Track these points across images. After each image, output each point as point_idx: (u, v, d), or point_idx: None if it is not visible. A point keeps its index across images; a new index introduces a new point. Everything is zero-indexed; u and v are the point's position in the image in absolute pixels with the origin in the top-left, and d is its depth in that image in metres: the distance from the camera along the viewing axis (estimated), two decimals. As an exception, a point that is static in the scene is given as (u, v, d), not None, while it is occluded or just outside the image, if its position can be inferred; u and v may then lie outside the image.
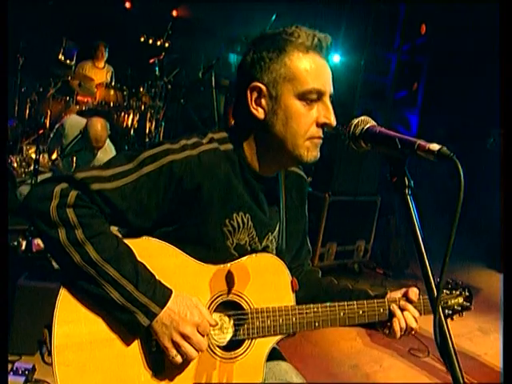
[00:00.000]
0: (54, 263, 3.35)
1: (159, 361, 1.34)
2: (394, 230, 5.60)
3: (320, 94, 1.38)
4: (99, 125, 4.28)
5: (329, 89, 1.40)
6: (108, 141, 4.52)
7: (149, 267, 1.33)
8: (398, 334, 1.55)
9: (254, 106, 1.39)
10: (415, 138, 1.14)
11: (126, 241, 1.34)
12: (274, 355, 1.63)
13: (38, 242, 3.65)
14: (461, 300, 1.73)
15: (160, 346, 1.32)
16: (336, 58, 7.90)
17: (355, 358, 3.59)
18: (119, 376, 1.31)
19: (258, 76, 1.38)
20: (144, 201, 1.32)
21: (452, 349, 1.07)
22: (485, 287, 5.46)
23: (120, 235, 1.36)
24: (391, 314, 1.55)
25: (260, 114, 1.39)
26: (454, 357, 1.07)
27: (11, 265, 3.23)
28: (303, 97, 1.36)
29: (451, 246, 1.06)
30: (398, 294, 1.60)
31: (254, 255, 1.47)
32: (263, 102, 1.38)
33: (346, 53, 7.90)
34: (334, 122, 1.41)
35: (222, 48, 7.68)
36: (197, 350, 1.31)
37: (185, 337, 1.30)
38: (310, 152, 1.42)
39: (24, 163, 3.86)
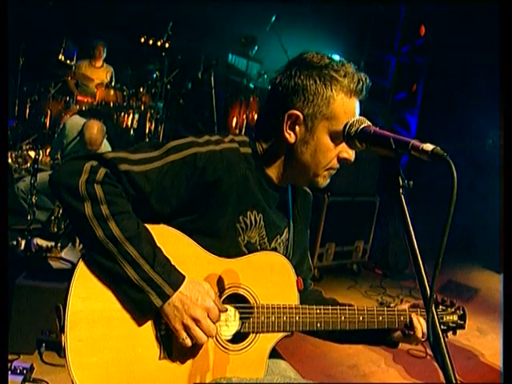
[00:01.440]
0: (53, 263, 3.36)
1: (167, 345, 1.37)
2: (392, 230, 5.61)
3: None
4: (95, 128, 4.29)
5: None
6: (105, 142, 4.53)
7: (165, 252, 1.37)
8: (419, 339, 1.63)
9: (288, 130, 1.44)
10: (410, 139, 1.16)
11: (146, 225, 1.39)
12: (272, 354, 1.64)
13: (37, 241, 3.66)
14: (455, 318, 1.77)
15: (168, 331, 1.35)
16: (336, 58, 7.90)
17: (354, 358, 3.59)
18: (128, 355, 1.34)
19: (298, 105, 1.42)
20: (167, 187, 1.37)
21: (445, 348, 1.08)
22: (483, 288, 5.46)
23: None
24: (411, 323, 1.62)
25: (291, 138, 1.45)
26: (447, 357, 1.08)
27: (10, 264, 3.24)
28: (335, 136, 1.42)
29: (444, 245, 1.07)
30: (404, 306, 1.68)
31: (261, 253, 1.52)
32: (297, 128, 1.44)
33: (346, 54, 7.91)
34: (353, 158, 1.48)
35: (222, 49, 7.71)
36: (206, 335, 1.35)
37: (195, 320, 1.33)
38: (325, 180, 1.52)
39: (20, 159, 3.87)
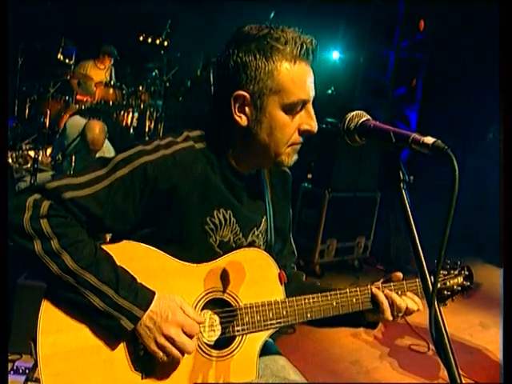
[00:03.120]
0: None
1: (149, 363, 1.32)
2: (394, 225, 5.60)
3: (304, 103, 1.38)
4: (97, 128, 4.29)
5: (312, 95, 1.39)
6: (107, 142, 4.54)
7: (130, 271, 1.31)
8: (390, 316, 1.54)
9: (238, 113, 1.37)
10: (410, 132, 1.15)
11: (106, 246, 1.33)
12: (269, 350, 1.62)
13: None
14: (460, 279, 1.69)
15: (148, 350, 1.31)
16: (335, 55, 7.89)
17: (356, 354, 3.59)
18: (108, 382, 1.30)
19: (242, 84, 1.34)
20: (120, 205, 1.30)
21: (448, 343, 1.07)
22: (485, 282, 5.45)
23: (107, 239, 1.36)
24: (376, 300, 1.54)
25: (243, 121, 1.37)
26: (450, 351, 1.07)
27: (11, 264, 3.24)
28: (289, 108, 1.35)
29: (446, 239, 1.06)
30: (377, 283, 1.60)
31: (237, 251, 1.45)
32: (247, 109, 1.36)
33: (345, 50, 7.89)
34: (315, 128, 1.40)
35: (221, 46, 7.67)
36: (182, 352, 1.30)
37: (168, 338, 1.28)
38: (290, 157, 1.42)
39: (21, 159, 3.87)
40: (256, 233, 1.53)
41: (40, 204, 1.26)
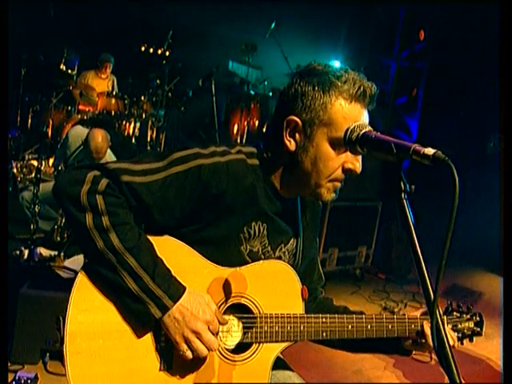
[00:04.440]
0: (59, 272, 3.36)
1: (167, 357, 1.36)
2: (395, 235, 5.60)
3: None
4: (100, 136, 4.33)
5: None
6: (109, 151, 4.56)
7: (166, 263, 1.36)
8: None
9: (288, 137, 1.42)
10: (411, 143, 1.16)
11: (147, 236, 1.38)
12: (279, 365, 1.64)
13: (40, 250, 3.67)
14: (471, 324, 1.72)
15: (168, 342, 1.35)
16: (336, 65, 7.92)
17: (358, 363, 3.58)
18: (128, 367, 1.34)
19: (297, 110, 1.40)
20: (169, 199, 1.36)
21: (450, 353, 1.08)
22: (487, 291, 5.44)
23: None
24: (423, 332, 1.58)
25: (291, 146, 1.42)
26: (452, 361, 1.07)
27: (14, 274, 3.25)
28: (336, 142, 1.38)
29: (447, 249, 1.07)
30: (416, 313, 1.63)
31: (267, 261, 1.50)
32: (297, 135, 1.42)
33: (346, 59, 7.94)
34: (359, 170, 1.42)
35: (222, 56, 7.74)
36: (207, 348, 1.34)
37: (196, 333, 1.32)
38: (330, 193, 1.45)
39: (25, 169, 3.90)
40: (283, 249, 1.57)
41: (99, 180, 1.32)
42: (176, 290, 1.33)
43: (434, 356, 3.64)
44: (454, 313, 1.72)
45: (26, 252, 3.67)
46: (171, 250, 1.39)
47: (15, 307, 2.79)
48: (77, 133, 4.82)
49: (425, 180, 5.35)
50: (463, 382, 1.08)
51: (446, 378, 1.08)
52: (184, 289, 1.34)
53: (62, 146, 4.94)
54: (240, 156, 1.45)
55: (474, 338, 1.73)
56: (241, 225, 1.45)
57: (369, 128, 1.29)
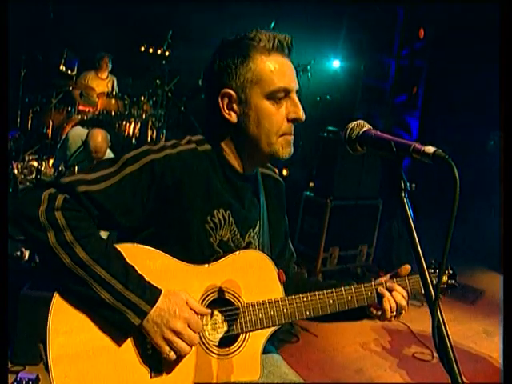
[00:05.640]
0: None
1: (156, 361, 1.35)
2: (396, 233, 5.59)
3: (287, 92, 1.44)
4: (100, 136, 4.34)
5: (294, 85, 1.47)
6: (109, 151, 4.57)
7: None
8: (389, 314, 1.58)
9: (227, 110, 1.45)
10: (411, 141, 1.16)
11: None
12: (275, 358, 1.66)
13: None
14: (445, 278, 1.75)
15: (155, 348, 1.34)
16: (336, 64, 7.93)
17: (359, 362, 3.58)
18: (118, 381, 1.32)
19: (226, 82, 1.44)
20: (129, 200, 1.36)
21: (451, 351, 1.08)
22: (488, 289, 5.44)
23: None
24: (380, 297, 1.59)
25: (233, 118, 1.45)
26: (453, 359, 1.07)
27: (14, 275, 3.24)
28: (271, 96, 1.42)
29: (448, 248, 1.07)
30: (384, 278, 1.65)
31: (238, 252, 1.50)
32: (234, 106, 1.45)
33: (346, 58, 7.93)
34: (302, 116, 1.46)
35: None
36: (189, 345, 1.33)
37: (176, 333, 1.32)
38: (285, 148, 1.47)
39: (26, 170, 3.91)
40: (252, 234, 1.58)
41: (55, 197, 1.31)
42: (151, 294, 1.32)
43: (435, 354, 3.64)
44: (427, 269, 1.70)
45: (27, 253, 3.67)
46: (141, 257, 1.38)
47: (16, 308, 2.79)
48: (77, 133, 4.83)
49: (426, 178, 5.35)
50: (464, 380, 1.08)
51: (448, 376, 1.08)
52: (159, 291, 1.34)
53: (62, 147, 4.95)
54: (190, 146, 1.47)
55: (450, 291, 1.76)
56: (204, 215, 1.45)
57: (368, 126, 1.29)
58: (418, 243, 1.12)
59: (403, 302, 1.59)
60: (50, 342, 1.29)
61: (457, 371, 1.06)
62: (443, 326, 1.09)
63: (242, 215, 1.53)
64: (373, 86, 7.97)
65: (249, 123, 1.44)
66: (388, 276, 1.66)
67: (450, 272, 1.76)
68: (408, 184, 1.16)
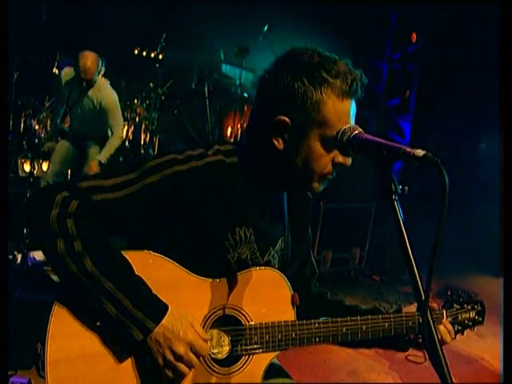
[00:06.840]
0: (52, 276, 3.35)
1: (155, 374, 1.32)
2: (388, 236, 5.61)
3: None
4: (89, 58, 4.41)
5: None
6: (106, 83, 4.54)
7: (146, 281, 1.31)
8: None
9: (276, 136, 1.36)
10: (401, 145, 1.17)
11: (126, 253, 1.32)
12: (274, 372, 1.61)
13: (34, 255, 3.65)
14: (472, 314, 1.70)
15: (155, 361, 1.31)
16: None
17: (353, 365, 3.59)
18: None
19: (287, 110, 1.32)
20: (147, 211, 1.31)
21: (441, 353, 1.09)
22: (480, 292, 5.45)
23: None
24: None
25: (279, 145, 1.36)
26: (443, 361, 1.08)
27: (8, 277, 3.23)
28: (327, 140, 1.33)
29: (438, 250, 1.08)
30: (413, 309, 1.60)
31: (253, 269, 1.45)
32: (286, 136, 1.35)
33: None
34: (349, 162, 1.39)
35: (215, 59, 7.75)
36: (189, 368, 1.31)
37: (177, 356, 1.29)
38: (320, 186, 1.43)
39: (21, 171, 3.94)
40: (272, 252, 1.52)
41: (69, 202, 1.26)
42: (157, 311, 1.29)
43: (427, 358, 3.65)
44: (455, 305, 1.69)
45: (20, 256, 3.65)
46: (153, 266, 1.34)
47: (8, 312, 2.77)
48: (67, 73, 4.84)
49: (417, 181, 5.38)
50: (455, 381, 1.08)
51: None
52: (166, 309, 1.30)
53: (57, 99, 4.94)
54: (217, 157, 1.39)
55: (475, 328, 1.71)
56: (224, 232, 1.39)
57: (359, 130, 1.29)
58: (408, 246, 1.13)
59: (447, 340, 1.57)
60: (48, 345, 1.28)
61: (447, 372, 1.07)
62: (433, 328, 1.09)
63: (264, 232, 1.47)
64: (365, 89, 7.99)
65: (296, 157, 1.35)
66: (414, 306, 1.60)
67: (479, 309, 1.72)
68: (399, 187, 1.16)
